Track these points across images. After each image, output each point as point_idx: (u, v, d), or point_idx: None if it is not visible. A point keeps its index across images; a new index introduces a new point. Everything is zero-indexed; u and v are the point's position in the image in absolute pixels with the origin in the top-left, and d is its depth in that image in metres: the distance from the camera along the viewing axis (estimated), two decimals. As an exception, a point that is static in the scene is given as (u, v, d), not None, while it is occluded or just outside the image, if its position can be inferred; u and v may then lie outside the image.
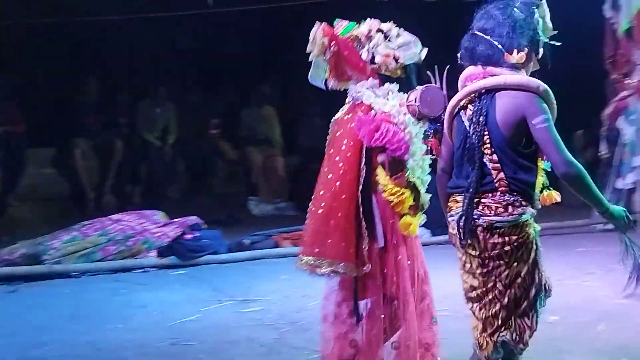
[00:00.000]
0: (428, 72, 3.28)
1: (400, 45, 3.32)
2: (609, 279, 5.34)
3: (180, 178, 10.34)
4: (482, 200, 2.82)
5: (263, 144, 10.10)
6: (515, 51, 2.83)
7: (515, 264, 2.83)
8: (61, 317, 5.19)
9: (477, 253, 2.85)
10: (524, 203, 2.82)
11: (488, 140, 2.81)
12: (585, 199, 2.81)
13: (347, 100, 3.46)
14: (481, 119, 2.81)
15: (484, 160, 2.81)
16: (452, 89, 3.11)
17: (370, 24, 3.35)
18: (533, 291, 2.88)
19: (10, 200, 9.36)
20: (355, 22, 3.39)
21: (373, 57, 3.31)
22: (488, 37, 2.86)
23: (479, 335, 2.94)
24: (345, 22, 3.36)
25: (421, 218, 3.35)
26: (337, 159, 3.28)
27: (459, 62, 3.01)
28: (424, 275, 3.40)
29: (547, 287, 2.95)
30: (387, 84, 3.31)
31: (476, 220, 2.82)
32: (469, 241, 2.85)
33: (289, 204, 9.54)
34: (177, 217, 7.04)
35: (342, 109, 3.45)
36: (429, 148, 3.22)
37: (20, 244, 6.53)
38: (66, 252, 6.41)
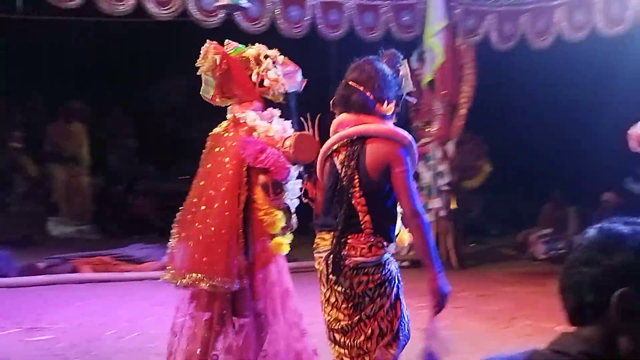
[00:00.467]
0: (301, 118, 3.38)
1: (286, 72, 3.45)
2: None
3: (-30, 192, 9.51)
4: (349, 240, 2.96)
5: (68, 162, 9.57)
6: (385, 102, 3.06)
7: (378, 299, 2.97)
8: None
9: (343, 290, 2.98)
10: (385, 244, 2.98)
11: (357, 184, 2.97)
12: (419, 251, 2.98)
13: (227, 116, 3.51)
14: (352, 163, 2.98)
15: (352, 202, 2.96)
16: (322, 136, 3.27)
17: (258, 49, 3.47)
18: (396, 323, 3.02)
19: None
20: (244, 45, 3.47)
21: (262, 80, 3.41)
22: (361, 88, 3.05)
23: None
24: (235, 44, 3.48)
25: (289, 238, 3.44)
26: (219, 176, 3.34)
27: (332, 109, 3.16)
28: (289, 290, 3.51)
29: (407, 319, 3.10)
30: (269, 109, 3.44)
31: (343, 260, 2.95)
32: (336, 278, 2.97)
33: (92, 226, 9.08)
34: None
35: (220, 124, 3.54)
36: (303, 190, 3.33)
37: None
38: None
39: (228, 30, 6.79)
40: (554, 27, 7.26)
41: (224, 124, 3.51)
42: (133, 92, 12.11)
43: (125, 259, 6.99)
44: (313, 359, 3.54)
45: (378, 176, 2.96)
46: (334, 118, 3.15)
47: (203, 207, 3.36)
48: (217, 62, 3.38)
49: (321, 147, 3.17)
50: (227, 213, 3.31)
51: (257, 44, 3.49)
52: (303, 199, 3.37)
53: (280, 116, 3.45)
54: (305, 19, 6.95)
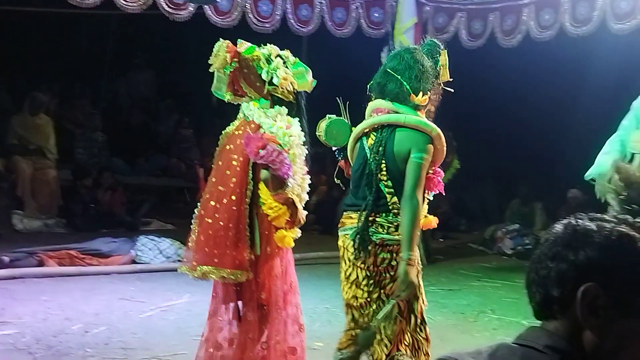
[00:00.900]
0: (338, 99, 3.50)
1: (296, 72, 3.55)
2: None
3: None
4: (377, 219, 3.14)
5: (34, 155, 9.40)
6: (420, 93, 3.20)
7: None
8: None
9: (366, 266, 3.14)
10: None
11: (385, 169, 3.15)
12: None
13: (238, 115, 3.60)
14: (380, 149, 3.16)
15: (380, 185, 3.14)
16: (354, 120, 3.43)
17: (270, 49, 3.56)
18: (417, 306, 3.17)
19: None
20: (256, 45, 3.56)
21: (272, 79, 3.50)
22: (399, 77, 3.18)
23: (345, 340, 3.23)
24: (247, 44, 3.55)
25: (296, 232, 3.52)
26: (228, 172, 3.46)
27: (368, 93, 3.32)
28: (293, 285, 3.59)
29: (424, 303, 3.23)
30: (277, 107, 3.51)
31: (370, 237, 3.12)
32: (361, 255, 3.12)
33: (58, 220, 8.94)
34: None
35: (232, 123, 3.63)
36: (338, 169, 3.54)
37: None
38: None
39: (200, 24, 6.75)
40: (522, 25, 7.34)
41: (236, 122, 3.61)
42: (101, 84, 11.98)
43: (92, 253, 6.91)
44: (304, 355, 3.62)
45: (404, 163, 3.12)
46: (369, 102, 3.32)
47: (213, 203, 3.46)
48: (228, 60, 3.45)
49: (352, 131, 3.35)
50: (234, 208, 3.42)
51: (268, 45, 3.58)
52: (336, 179, 3.59)
53: (289, 114, 3.53)
54: (275, 13, 6.92)
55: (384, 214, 3.14)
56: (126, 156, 10.84)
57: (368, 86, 3.35)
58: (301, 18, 7.09)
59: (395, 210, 3.12)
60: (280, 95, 3.53)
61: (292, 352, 3.55)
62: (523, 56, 8.06)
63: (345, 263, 3.21)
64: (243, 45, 3.54)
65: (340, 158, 3.55)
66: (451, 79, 3.40)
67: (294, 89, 3.55)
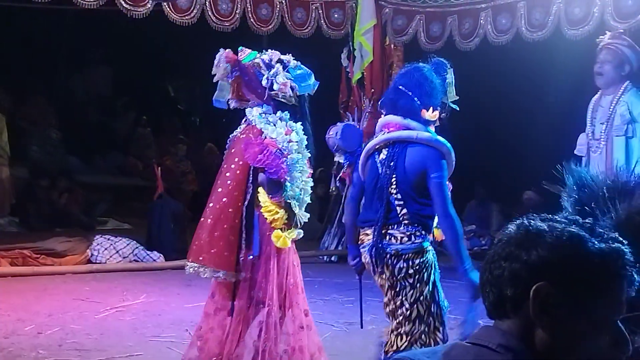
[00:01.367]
0: (348, 112, 3.67)
1: (297, 76, 3.63)
2: (327, 307, 5.68)
3: None
4: (389, 231, 3.27)
5: (-15, 152, 9.19)
6: (430, 109, 3.34)
7: (418, 284, 3.26)
8: None
9: (387, 276, 3.28)
10: (423, 232, 3.28)
11: (395, 182, 3.28)
12: (451, 249, 3.25)
13: (243, 120, 3.68)
14: (392, 164, 3.30)
15: (390, 198, 3.28)
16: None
17: (271, 54, 3.65)
18: (435, 308, 3.29)
19: None
20: (258, 51, 3.65)
21: (272, 84, 3.57)
22: (410, 94, 3.32)
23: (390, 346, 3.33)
24: (248, 50, 3.65)
25: (295, 234, 3.60)
26: (228, 174, 3.56)
27: (379, 109, 3.45)
28: (294, 285, 3.67)
29: (446, 305, 3.37)
30: (279, 112, 3.60)
31: (385, 249, 3.25)
32: (379, 268, 3.27)
33: (11, 219, 8.75)
34: None
35: (239, 127, 3.71)
36: (341, 178, 3.68)
37: None
38: None
39: (159, 22, 6.68)
40: (479, 29, 7.44)
41: (242, 126, 3.69)
42: (56, 80, 11.76)
43: (46, 253, 6.79)
44: (317, 354, 3.68)
45: (415, 178, 3.26)
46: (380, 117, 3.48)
47: (212, 204, 3.56)
48: (229, 70, 3.57)
49: (363, 138, 3.53)
50: (230, 210, 3.51)
51: (269, 50, 3.68)
52: (333, 188, 3.69)
53: (292, 118, 3.62)
54: (235, 12, 6.89)
55: (395, 225, 3.27)
56: (82, 154, 10.67)
57: (379, 103, 3.53)
58: (261, 17, 7.07)
59: (406, 221, 3.26)
60: (282, 100, 3.62)
61: (301, 351, 3.61)
62: (481, 60, 8.17)
63: (373, 275, 3.38)
64: (244, 53, 3.65)
65: (348, 163, 3.75)
66: (457, 97, 3.57)
67: (295, 93, 3.63)
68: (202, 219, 3.59)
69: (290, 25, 7.22)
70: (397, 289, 3.28)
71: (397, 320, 3.31)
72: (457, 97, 3.58)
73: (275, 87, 3.58)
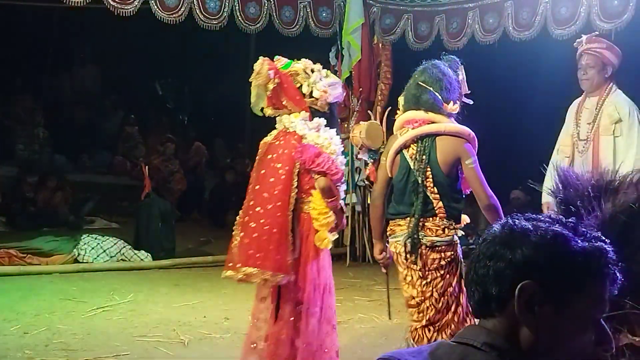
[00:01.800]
0: (369, 111, 3.74)
1: (330, 84, 3.74)
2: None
3: None
4: (426, 223, 3.42)
5: (-28, 151, 9.15)
6: (451, 102, 3.50)
7: (448, 275, 3.42)
8: None
9: (419, 267, 3.41)
10: (455, 226, 3.46)
11: (430, 176, 3.42)
12: None
13: (276, 126, 3.76)
14: (424, 157, 3.43)
15: (427, 192, 3.41)
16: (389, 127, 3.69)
17: (305, 63, 3.77)
18: (464, 299, 3.39)
19: None
20: (292, 60, 3.77)
21: (311, 92, 3.69)
22: (431, 89, 3.47)
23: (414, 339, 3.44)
24: (285, 59, 3.76)
25: (335, 235, 3.70)
26: (272, 180, 3.65)
27: (398, 106, 3.59)
28: (328, 286, 3.76)
29: None
30: (316, 119, 3.70)
31: (420, 240, 3.40)
32: (413, 257, 3.39)
33: (-2, 218, 8.71)
34: None
35: (271, 133, 3.81)
36: (367, 175, 3.63)
37: None
38: None
39: (146, 19, 6.65)
40: (467, 29, 7.46)
41: (274, 132, 3.78)
42: (43, 79, 11.69)
43: (33, 252, 6.75)
44: (334, 354, 3.75)
45: (448, 168, 3.42)
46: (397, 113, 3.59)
47: (258, 209, 3.64)
48: (271, 77, 3.64)
49: (387, 135, 3.62)
50: (278, 214, 3.61)
51: (302, 59, 3.78)
52: (366, 182, 3.73)
53: (328, 125, 3.72)
54: (224, 10, 6.88)
55: (431, 218, 3.42)
56: (69, 153, 10.61)
57: (399, 99, 3.64)
58: (249, 15, 7.05)
59: (442, 214, 3.40)
60: (317, 107, 3.72)
61: (324, 351, 3.68)
62: (467, 59, 8.19)
63: (401, 266, 3.48)
64: (281, 61, 3.74)
65: (372, 160, 3.87)
66: (469, 92, 3.70)
67: (329, 100, 3.74)
68: (247, 224, 3.64)
69: (278, 24, 7.21)
70: (428, 280, 3.41)
71: (424, 312, 3.41)
72: (470, 92, 3.71)
73: (315, 94, 3.70)
